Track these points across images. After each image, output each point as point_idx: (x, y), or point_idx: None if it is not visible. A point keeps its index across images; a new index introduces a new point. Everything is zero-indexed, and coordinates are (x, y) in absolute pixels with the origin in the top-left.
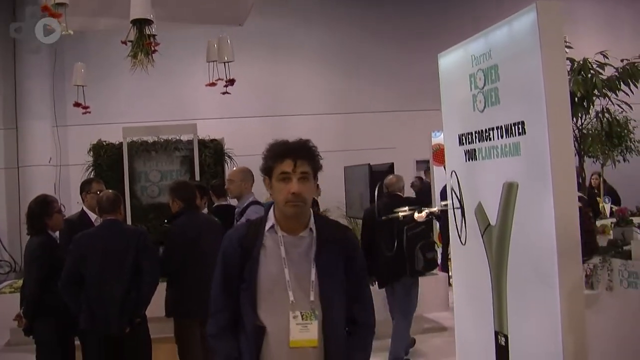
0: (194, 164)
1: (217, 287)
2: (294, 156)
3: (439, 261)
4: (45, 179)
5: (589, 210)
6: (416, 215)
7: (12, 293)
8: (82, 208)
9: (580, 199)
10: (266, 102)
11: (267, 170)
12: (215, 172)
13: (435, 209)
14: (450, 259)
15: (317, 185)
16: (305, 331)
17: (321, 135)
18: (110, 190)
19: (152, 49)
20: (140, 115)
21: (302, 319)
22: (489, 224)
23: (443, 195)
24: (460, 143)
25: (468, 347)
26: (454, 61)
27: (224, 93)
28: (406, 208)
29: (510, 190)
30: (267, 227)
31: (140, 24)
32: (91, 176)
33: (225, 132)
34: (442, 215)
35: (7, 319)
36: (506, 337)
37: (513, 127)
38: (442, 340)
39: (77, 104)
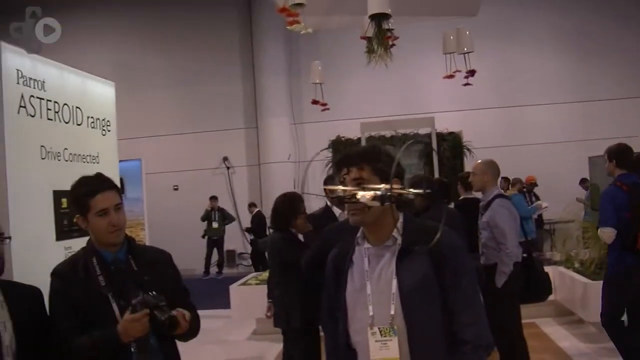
0: (433, 157)
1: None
2: (346, 163)
3: None
4: (285, 175)
5: None
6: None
7: (257, 285)
8: (326, 203)
9: None
10: (502, 92)
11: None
12: (454, 165)
13: None
14: None
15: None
16: (385, 348)
17: (560, 124)
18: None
19: (391, 43)
20: (376, 110)
21: (381, 335)
22: None
23: None
24: None
25: None
26: None
27: (465, 85)
28: None
29: None
30: (357, 239)
31: (379, 18)
32: (331, 172)
33: (463, 124)
34: None
35: (253, 308)
36: None
37: None
38: None
39: (315, 102)
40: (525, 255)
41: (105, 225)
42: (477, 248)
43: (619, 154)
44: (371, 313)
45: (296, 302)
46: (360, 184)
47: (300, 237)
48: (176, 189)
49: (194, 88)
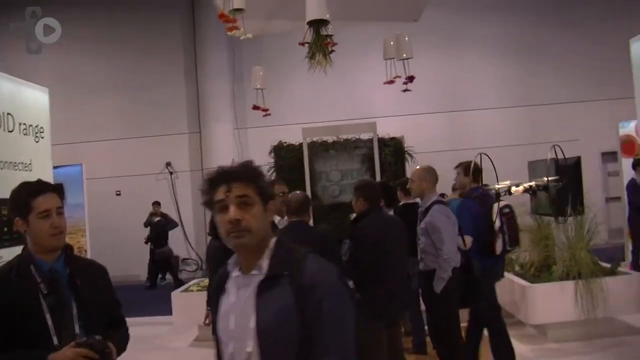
0: (375, 162)
1: None
2: (226, 180)
3: (630, 259)
4: None
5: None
6: (513, 189)
7: (199, 291)
8: None
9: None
10: (444, 97)
11: (208, 205)
12: (396, 170)
13: (532, 184)
14: None
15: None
16: None
17: (502, 129)
18: (298, 192)
19: (330, 49)
20: (319, 115)
21: None
22: None
23: (629, 189)
24: None
25: None
26: None
27: (404, 90)
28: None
29: None
30: (229, 265)
31: (317, 24)
32: (272, 177)
33: (405, 129)
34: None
35: (195, 315)
36: None
37: None
38: (637, 343)
39: (255, 107)
40: (463, 260)
41: (47, 228)
42: (417, 253)
43: (475, 170)
44: (231, 350)
45: None
46: (245, 202)
47: None
48: (119, 195)
49: (137, 92)
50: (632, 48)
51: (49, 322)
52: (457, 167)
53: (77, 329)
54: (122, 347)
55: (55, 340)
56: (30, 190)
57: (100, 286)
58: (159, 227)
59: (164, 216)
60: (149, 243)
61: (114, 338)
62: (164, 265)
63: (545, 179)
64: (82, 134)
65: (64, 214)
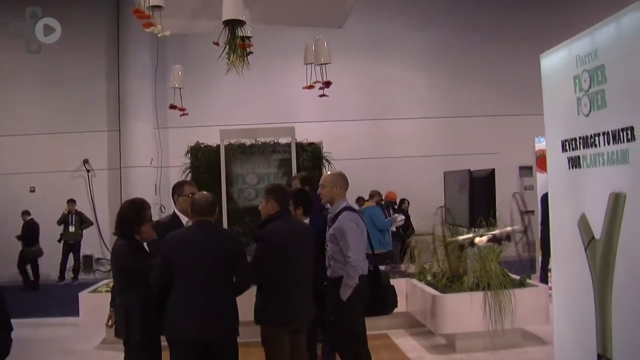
0: (292, 167)
1: None
2: None
3: (538, 272)
4: (147, 180)
5: None
6: (477, 239)
7: (107, 292)
8: (174, 211)
9: None
10: (365, 105)
11: None
12: (313, 175)
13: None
14: (550, 270)
15: None
16: None
17: (421, 139)
18: (205, 192)
19: (248, 51)
20: (239, 118)
21: None
22: (593, 237)
23: (543, 203)
24: (564, 149)
25: None
26: (557, 62)
27: (321, 96)
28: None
29: (617, 202)
30: None
31: (232, 25)
32: (188, 178)
33: (324, 135)
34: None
35: (103, 316)
36: None
37: (621, 133)
38: (541, 354)
39: (172, 106)
40: (371, 268)
41: None
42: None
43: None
44: None
45: (137, 312)
46: None
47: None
48: (33, 191)
49: (56, 87)
50: (542, 63)
51: None
52: None
53: None
54: (3, 353)
55: None
56: None
57: None
58: (32, 226)
59: (79, 214)
60: (20, 240)
61: None
62: (32, 263)
63: (509, 228)
64: None
65: None
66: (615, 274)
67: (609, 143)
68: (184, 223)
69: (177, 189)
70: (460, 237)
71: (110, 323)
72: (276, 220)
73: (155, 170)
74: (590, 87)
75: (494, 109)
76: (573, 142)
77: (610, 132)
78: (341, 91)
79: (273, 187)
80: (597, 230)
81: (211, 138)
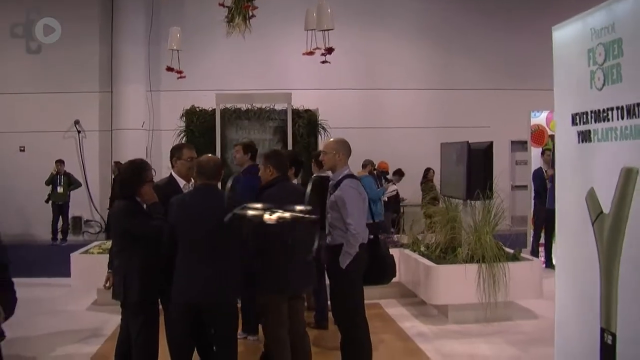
0: (287, 133)
1: None
2: None
3: (530, 245)
4: (138, 142)
5: None
6: (266, 217)
7: (100, 254)
8: (171, 173)
9: None
10: (363, 74)
11: None
12: (308, 142)
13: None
14: (541, 244)
15: None
16: None
17: (415, 110)
18: (212, 155)
19: (250, 13)
20: (234, 82)
21: None
22: (602, 211)
23: (535, 178)
24: (574, 123)
25: (569, 341)
26: (570, 35)
27: (323, 62)
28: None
29: (628, 177)
30: None
31: None
32: (182, 142)
33: (320, 103)
34: (539, 196)
35: (94, 278)
36: (614, 335)
37: (636, 108)
38: (533, 327)
39: (169, 69)
40: (371, 237)
41: None
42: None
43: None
44: None
45: (135, 275)
46: None
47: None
48: (22, 150)
49: (48, 47)
50: (554, 36)
51: None
52: None
53: None
54: (9, 311)
55: None
56: None
57: None
58: None
59: (67, 175)
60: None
61: (2, 301)
62: None
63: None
64: None
65: None
66: (624, 248)
67: (622, 118)
68: (182, 186)
69: (176, 152)
70: (250, 212)
71: (107, 285)
72: (275, 186)
73: (146, 133)
74: (605, 60)
75: (488, 83)
76: (584, 115)
77: (624, 107)
78: (338, 60)
79: (271, 153)
80: (606, 205)
81: (204, 102)
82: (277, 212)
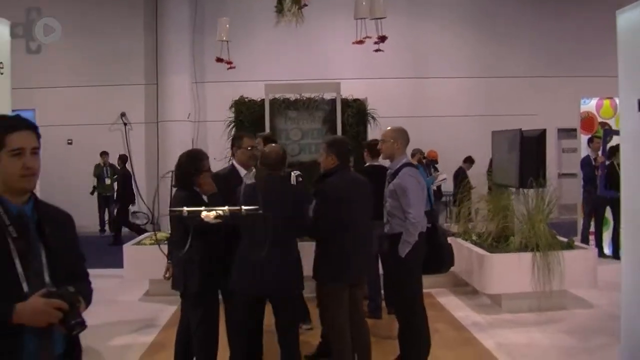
0: (337, 123)
1: None
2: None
3: (580, 233)
4: (183, 134)
5: None
6: (204, 214)
7: (152, 245)
8: (232, 163)
9: None
10: (410, 63)
11: None
12: (357, 132)
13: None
14: (591, 232)
15: None
16: None
17: (462, 99)
18: (276, 145)
19: (303, 2)
20: (281, 72)
21: None
22: None
23: (583, 165)
24: None
25: (636, 335)
26: (636, 19)
27: (376, 50)
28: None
29: None
30: None
31: None
32: (232, 133)
33: (368, 92)
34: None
35: (147, 269)
36: None
37: None
38: (588, 317)
39: (219, 59)
40: (429, 225)
41: (19, 167)
42: (382, 217)
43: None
44: None
45: (195, 266)
46: None
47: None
48: (70, 143)
49: (95, 40)
50: (618, 20)
51: (19, 268)
52: None
53: (47, 278)
54: (88, 302)
55: (25, 287)
56: (5, 125)
57: (68, 236)
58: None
59: (112, 167)
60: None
61: (82, 291)
62: None
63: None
64: (36, 78)
65: (39, 155)
66: None
67: None
68: (242, 175)
69: (237, 141)
70: (186, 209)
71: (167, 275)
72: (335, 174)
73: (192, 124)
74: None
75: (535, 70)
76: None
77: None
78: (385, 48)
79: (334, 140)
80: None
81: (249, 92)
82: (215, 210)
